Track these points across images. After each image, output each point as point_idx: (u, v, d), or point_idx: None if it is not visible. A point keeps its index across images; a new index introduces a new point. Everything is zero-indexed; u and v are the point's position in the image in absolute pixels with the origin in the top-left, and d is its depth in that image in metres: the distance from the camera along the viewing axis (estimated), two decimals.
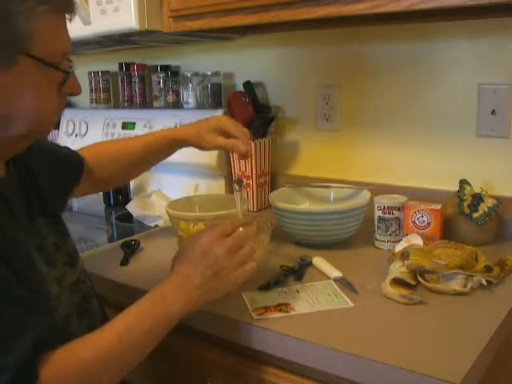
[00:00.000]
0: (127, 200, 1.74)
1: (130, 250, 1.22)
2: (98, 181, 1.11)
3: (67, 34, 0.75)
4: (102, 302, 0.95)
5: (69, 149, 1.07)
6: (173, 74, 1.72)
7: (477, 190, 1.18)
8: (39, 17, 0.67)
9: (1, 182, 0.76)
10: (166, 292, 0.77)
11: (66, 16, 0.74)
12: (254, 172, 1.50)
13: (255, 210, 1.52)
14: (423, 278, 0.95)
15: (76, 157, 1.07)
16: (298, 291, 0.97)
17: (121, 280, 1.07)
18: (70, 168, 1.03)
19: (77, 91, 0.78)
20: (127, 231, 1.43)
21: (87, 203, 1.86)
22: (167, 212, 1.24)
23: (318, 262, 1.08)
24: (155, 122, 1.68)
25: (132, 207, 1.49)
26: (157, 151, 1.15)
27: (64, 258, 0.85)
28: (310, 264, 1.09)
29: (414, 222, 1.14)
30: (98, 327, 0.74)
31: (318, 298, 0.94)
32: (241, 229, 0.87)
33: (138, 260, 1.19)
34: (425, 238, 1.10)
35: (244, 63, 1.64)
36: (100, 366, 0.70)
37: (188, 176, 1.64)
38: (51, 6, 0.69)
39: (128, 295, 1.03)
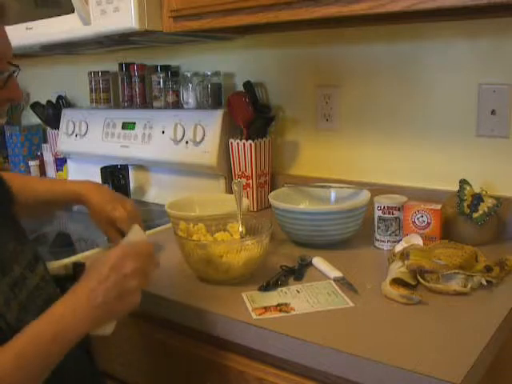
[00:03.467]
0: None
1: None
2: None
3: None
4: None
5: None
6: (173, 74, 1.72)
7: (477, 190, 1.18)
8: None
9: None
10: (65, 310, 0.71)
11: None
12: (253, 172, 1.50)
13: (255, 209, 1.52)
14: (423, 277, 0.96)
15: None
16: (298, 291, 0.97)
17: None
18: None
19: (14, 97, 0.74)
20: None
21: None
22: (167, 212, 1.24)
23: (318, 262, 1.08)
24: (155, 122, 1.68)
25: None
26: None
27: (25, 263, 0.81)
28: (310, 264, 1.09)
29: (413, 222, 1.14)
30: None
31: (318, 297, 0.94)
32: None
33: None
34: (425, 238, 1.11)
35: (244, 63, 1.64)
36: None
37: (188, 176, 1.64)
38: None
39: None
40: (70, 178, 2.05)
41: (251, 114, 1.50)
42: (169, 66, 1.77)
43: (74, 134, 1.93)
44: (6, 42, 0.72)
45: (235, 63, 1.66)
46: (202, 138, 1.55)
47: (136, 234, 0.85)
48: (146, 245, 0.82)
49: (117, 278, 0.73)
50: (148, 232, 1.38)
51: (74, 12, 1.37)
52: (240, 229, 1.08)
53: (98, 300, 0.71)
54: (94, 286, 0.72)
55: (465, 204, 1.16)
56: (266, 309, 0.90)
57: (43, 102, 2.13)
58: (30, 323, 0.70)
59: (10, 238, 0.81)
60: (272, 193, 1.31)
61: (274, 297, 0.95)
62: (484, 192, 1.17)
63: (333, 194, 1.33)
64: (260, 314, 0.88)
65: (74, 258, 1.20)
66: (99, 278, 0.72)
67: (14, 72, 0.73)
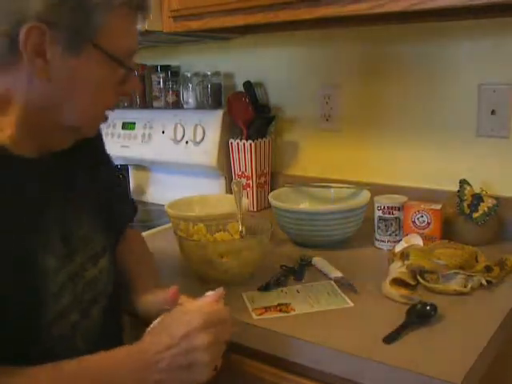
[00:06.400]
0: None
1: None
2: None
3: (136, 33, 0.76)
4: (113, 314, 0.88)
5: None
6: (173, 74, 1.72)
7: (477, 190, 1.18)
8: (114, 12, 0.70)
9: (28, 162, 0.72)
10: (127, 363, 0.69)
11: (140, 17, 0.75)
12: (254, 172, 1.50)
13: (255, 210, 1.52)
14: (423, 278, 0.96)
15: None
16: (298, 291, 0.97)
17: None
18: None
19: (136, 88, 0.81)
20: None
21: None
22: (167, 212, 1.24)
23: (318, 262, 1.08)
24: (155, 122, 1.68)
25: None
26: None
27: (91, 253, 0.81)
28: (309, 264, 1.09)
29: (413, 222, 1.14)
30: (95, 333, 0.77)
31: (318, 298, 0.94)
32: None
33: None
34: (425, 238, 1.10)
35: (244, 63, 1.64)
36: None
37: (188, 176, 1.64)
38: (128, 4, 0.71)
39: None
40: None
41: (251, 114, 1.50)
42: (169, 66, 1.77)
43: None
44: (137, 42, 0.77)
45: (235, 63, 1.66)
46: (202, 138, 1.55)
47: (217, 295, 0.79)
48: (224, 312, 0.76)
49: (187, 347, 0.69)
50: (148, 232, 1.38)
51: None
52: (240, 229, 1.08)
53: (162, 365, 0.68)
54: (162, 350, 0.69)
55: (465, 204, 1.16)
56: (266, 309, 0.90)
57: None
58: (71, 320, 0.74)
59: (84, 223, 0.81)
60: (272, 193, 1.31)
61: (273, 297, 0.95)
62: (484, 192, 1.17)
63: (333, 193, 1.33)
64: (260, 314, 0.88)
65: None
66: (169, 343, 0.69)
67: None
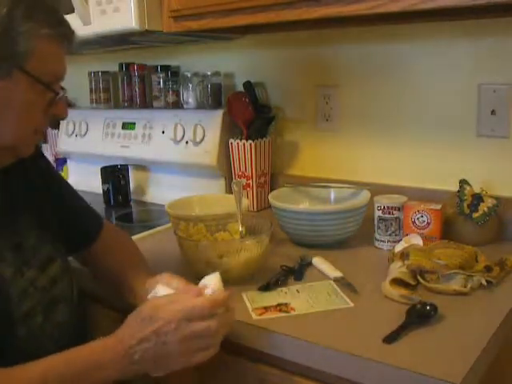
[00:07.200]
0: (127, 200, 1.74)
1: None
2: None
3: (63, 60, 0.80)
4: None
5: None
6: (173, 74, 1.72)
7: (477, 190, 1.18)
8: (40, 39, 0.74)
9: None
10: (103, 359, 0.73)
11: (66, 44, 0.79)
12: (253, 172, 1.50)
13: (255, 210, 1.52)
14: (423, 278, 0.96)
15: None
16: (298, 291, 0.97)
17: None
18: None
19: (63, 114, 0.83)
20: (127, 231, 1.43)
21: None
22: (167, 212, 1.24)
23: (318, 262, 1.08)
24: (155, 122, 1.68)
25: None
26: None
27: (38, 262, 0.86)
28: (309, 264, 1.09)
29: (413, 222, 1.14)
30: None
31: (318, 298, 0.94)
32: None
33: None
34: (425, 238, 1.10)
35: (244, 63, 1.64)
36: None
37: (188, 176, 1.64)
38: (54, 32, 0.76)
39: None
40: (70, 179, 2.05)
41: (251, 114, 1.50)
42: (169, 66, 1.77)
43: (74, 134, 1.93)
44: (65, 67, 0.81)
45: (235, 63, 1.66)
46: (202, 138, 1.55)
47: (213, 285, 0.82)
48: (199, 310, 0.76)
49: (156, 342, 0.73)
50: (148, 232, 1.38)
51: (73, 12, 1.37)
52: (240, 229, 1.08)
53: (135, 357, 0.73)
54: (134, 344, 0.73)
55: (465, 204, 1.16)
56: (266, 309, 0.90)
57: None
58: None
59: (32, 234, 0.86)
60: (272, 193, 1.31)
61: (273, 297, 0.95)
62: (484, 192, 1.17)
63: (333, 194, 1.33)
64: (260, 314, 0.88)
65: None
66: (141, 337, 0.73)
67: (62, 90, 0.81)
